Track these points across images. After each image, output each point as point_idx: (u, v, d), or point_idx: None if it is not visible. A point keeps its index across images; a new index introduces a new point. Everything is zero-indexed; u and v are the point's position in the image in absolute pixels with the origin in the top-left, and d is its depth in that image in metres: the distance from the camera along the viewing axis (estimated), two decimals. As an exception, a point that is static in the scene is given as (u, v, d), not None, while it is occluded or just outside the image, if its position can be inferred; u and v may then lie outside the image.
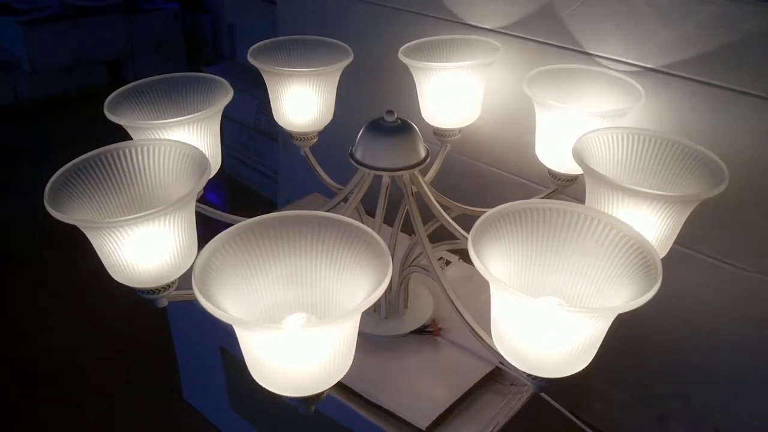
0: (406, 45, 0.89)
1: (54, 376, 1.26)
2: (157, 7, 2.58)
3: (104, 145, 0.63)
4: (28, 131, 2.28)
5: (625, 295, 0.53)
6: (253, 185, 1.91)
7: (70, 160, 0.60)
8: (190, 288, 0.48)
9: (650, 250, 0.52)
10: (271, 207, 1.74)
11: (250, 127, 1.83)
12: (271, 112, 0.91)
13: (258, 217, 0.55)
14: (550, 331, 0.52)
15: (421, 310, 0.92)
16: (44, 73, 2.36)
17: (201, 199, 0.75)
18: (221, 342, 0.99)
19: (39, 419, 1.18)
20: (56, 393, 1.23)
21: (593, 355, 0.55)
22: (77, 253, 0.74)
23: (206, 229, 0.58)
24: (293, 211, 0.55)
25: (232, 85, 0.77)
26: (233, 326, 0.48)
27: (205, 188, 0.72)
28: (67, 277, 1.50)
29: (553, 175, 0.83)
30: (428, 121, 0.94)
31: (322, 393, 0.53)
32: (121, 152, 0.63)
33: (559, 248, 0.58)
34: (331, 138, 0.97)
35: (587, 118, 0.75)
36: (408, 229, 0.82)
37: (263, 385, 0.52)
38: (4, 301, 1.46)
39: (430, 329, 0.89)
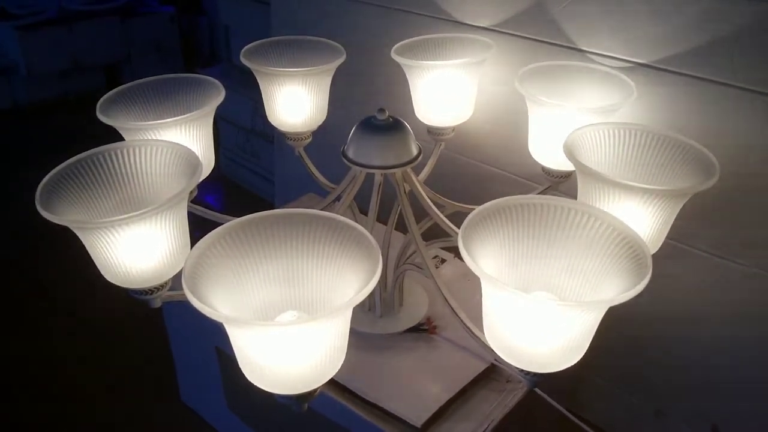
0: (399, 44, 0.89)
1: (50, 379, 1.26)
2: (153, 11, 2.59)
3: (102, 149, 0.63)
4: (25, 135, 2.28)
5: (616, 288, 0.53)
6: (249, 186, 1.91)
7: (67, 164, 0.60)
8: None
9: (640, 243, 0.52)
10: (268, 208, 1.71)
11: (246, 128, 1.83)
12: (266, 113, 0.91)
13: (247, 216, 0.55)
14: (541, 326, 0.52)
15: (416, 308, 0.92)
16: (41, 77, 2.37)
17: (198, 201, 0.75)
18: (217, 342, 0.99)
19: (35, 422, 1.18)
20: (53, 395, 1.23)
21: (585, 350, 0.55)
22: (73, 255, 0.74)
23: (202, 231, 0.58)
24: (281, 209, 0.55)
25: (227, 87, 0.77)
26: (224, 324, 0.48)
27: (202, 190, 0.72)
28: (63, 280, 1.50)
29: (546, 171, 0.83)
30: (422, 120, 0.94)
31: (315, 390, 0.53)
32: (112, 153, 0.63)
33: (550, 243, 0.58)
34: (326, 138, 0.97)
35: (579, 114, 0.75)
36: (402, 227, 0.82)
37: (256, 384, 0.53)
38: (0, 305, 1.47)
39: (425, 327, 0.89)
